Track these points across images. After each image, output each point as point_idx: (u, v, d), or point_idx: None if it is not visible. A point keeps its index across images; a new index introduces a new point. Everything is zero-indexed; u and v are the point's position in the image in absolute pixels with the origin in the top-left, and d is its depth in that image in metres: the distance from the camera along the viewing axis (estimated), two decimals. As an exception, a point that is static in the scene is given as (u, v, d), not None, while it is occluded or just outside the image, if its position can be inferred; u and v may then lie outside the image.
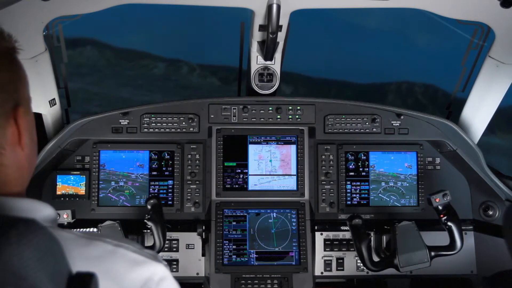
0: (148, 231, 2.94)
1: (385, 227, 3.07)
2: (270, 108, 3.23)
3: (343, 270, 3.16)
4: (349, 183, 3.25)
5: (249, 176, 3.23)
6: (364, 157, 3.27)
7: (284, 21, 2.69)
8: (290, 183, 3.23)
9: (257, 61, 3.10)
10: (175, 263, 3.12)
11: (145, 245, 3.04)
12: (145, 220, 2.81)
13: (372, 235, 3.10)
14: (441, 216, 2.81)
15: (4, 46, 1.09)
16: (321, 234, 3.19)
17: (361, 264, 2.90)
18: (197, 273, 3.13)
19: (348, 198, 3.24)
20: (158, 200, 2.84)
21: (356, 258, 3.14)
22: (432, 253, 2.83)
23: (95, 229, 2.95)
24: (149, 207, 2.82)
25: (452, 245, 2.82)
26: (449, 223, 2.80)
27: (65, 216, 2.74)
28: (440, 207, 2.79)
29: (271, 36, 2.63)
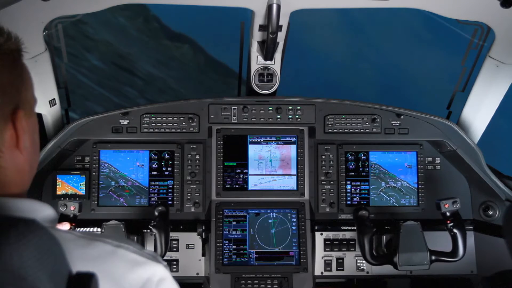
0: (148, 231, 2.94)
1: (386, 227, 3.08)
2: (270, 108, 3.23)
3: (343, 270, 3.16)
4: (349, 183, 3.25)
5: (249, 176, 3.22)
6: (364, 157, 3.27)
7: (284, 21, 2.68)
8: (290, 183, 3.23)
9: (257, 61, 3.10)
10: (175, 263, 3.12)
11: (145, 245, 3.04)
12: (150, 226, 2.81)
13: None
14: (448, 222, 2.83)
15: (8, 48, 1.07)
16: (321, 234, 3.19)
17: (361, 264, 2.89)
18: (197, 273, 3.13)
19: (348, 198, 3.24)
20: (166, 208, 2.83)
21: (356, 258, 3.14)
22: (433, 257, 2.84)
23: (98, 229, 2.95)
24: (156, 213, 2.81)
25: (454, 253, 2.85)
26: (454, 230, 2.83)
27: (72, 208, 2.70)
28: (448, 213, 2.82)
29: (271, 36, 2.63)
